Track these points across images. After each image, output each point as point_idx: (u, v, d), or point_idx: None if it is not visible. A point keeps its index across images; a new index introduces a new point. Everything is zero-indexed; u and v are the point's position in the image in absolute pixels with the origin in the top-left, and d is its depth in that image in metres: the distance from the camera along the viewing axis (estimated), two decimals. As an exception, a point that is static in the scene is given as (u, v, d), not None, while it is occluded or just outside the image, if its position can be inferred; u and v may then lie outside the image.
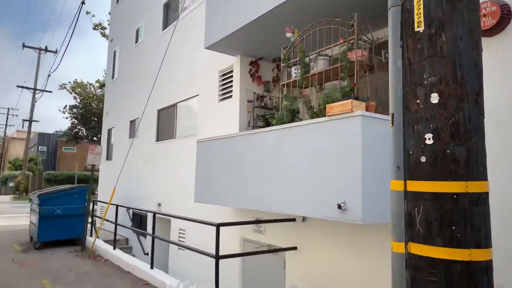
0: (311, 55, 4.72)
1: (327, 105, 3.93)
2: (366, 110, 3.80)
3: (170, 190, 9.17)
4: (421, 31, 1.87)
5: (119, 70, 13.82)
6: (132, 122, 12.05)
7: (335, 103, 3.84)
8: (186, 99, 9.09)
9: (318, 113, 4.28)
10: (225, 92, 7.54)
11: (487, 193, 1.76)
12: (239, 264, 6.56)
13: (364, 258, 4.50)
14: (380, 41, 4.44)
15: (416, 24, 1.91)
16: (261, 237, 6.13)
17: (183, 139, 8.99)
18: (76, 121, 32.77)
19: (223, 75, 7.66)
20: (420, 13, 1.89)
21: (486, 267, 1.72)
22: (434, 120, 1.79)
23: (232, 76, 7.33)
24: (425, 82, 1.83)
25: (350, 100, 3.71)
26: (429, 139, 1.80)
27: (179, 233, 8.47)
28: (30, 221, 10.11)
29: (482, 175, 1.76)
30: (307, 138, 4.17)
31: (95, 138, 32.18)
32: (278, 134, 4.59)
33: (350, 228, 4.69)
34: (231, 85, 7.31)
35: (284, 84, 5.02)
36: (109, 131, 14.07)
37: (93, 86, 32.53)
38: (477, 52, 1.83)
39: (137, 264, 6.83)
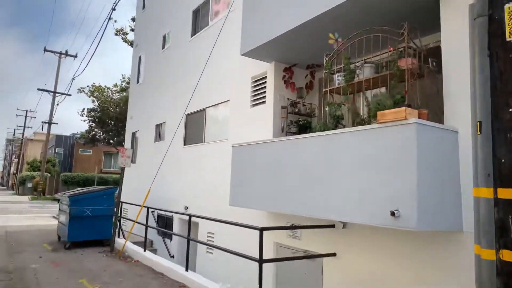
0: (357, 62, 4.77)
1: (378, 112, 3.97)
2: (419, 118, 3.84)
3: (197, 193, 9.29)
4: (515, 41, 1.92)
5: (144, 75, 14.06)
6: (158, 126, 12.23)
7: (388, 111, 3.89)
8: (216, 104, 9.22)
9: (367, 119, 4.33)
10: (258, 98, 7.64)
11: None
12: (273, 270, 6.59)
13: (410, 265, 4.50)
14: (429, 47, 4.47)
15: (508, 34, 1.95)
16: (297, 242, 6.16)
17: (212, 143, 9.11)
18: (94, 124, 33.25)
19: (256, 81, 7.76)
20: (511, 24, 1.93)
21: None
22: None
23: (265, 82, 7.44)
24: (520, 91, 1.88)
25: (404, 108, 3.75)
26: (525, 147, 1.84)
27: (208, 236, 8.55)
28: (59, 221, 10.31)
29: None
30: (356, 145, 4.22)
31: (111, 141, 32.61)
32: (324, 140, 4.64)
33: (395, 236, 4.70)
34: (264, 91, 7.41)
35: (327, 90, 5.08)
36: (133, 134, 14.28)
37: (110, 90, 33.01)
38: None
39: (171, 266, 6.91)
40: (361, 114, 4.55)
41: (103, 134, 33.94)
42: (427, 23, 4.70)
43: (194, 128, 10.10)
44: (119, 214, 9.63)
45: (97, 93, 32.39)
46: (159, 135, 12.25)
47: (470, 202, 3.48)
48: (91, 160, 38.48)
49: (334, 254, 5.43)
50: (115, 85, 33.06)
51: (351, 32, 4.90)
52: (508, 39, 1.96)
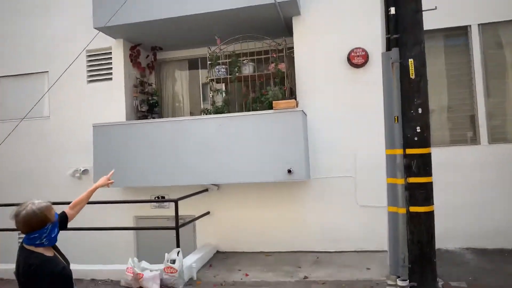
0: (243, 60, 6.05)
1: (274, 102, 5.52)
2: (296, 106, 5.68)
3: None
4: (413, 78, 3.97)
5: None
6: None
7: (282, 101, 5.51)
8: (20, 74, 7.77)
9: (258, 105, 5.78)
10: (97, 74, 7.31)
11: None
12: (133, 239, 6.95)
13: (272, 207, 6.34)
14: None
15: (411, 74, 3.98)
16: (166, 211, 6.83)
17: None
18: None
19: (93, 55, 7.33)
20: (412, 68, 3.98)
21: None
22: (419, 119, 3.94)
23: (106, 58, 7.25)
24: (416, 101, 3.96)
25: (294, 100, 5.50)
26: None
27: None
28: None
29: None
30: (254, 125, 5.61)
31: None
32: (223, 121, 5.72)
33: (258, 189, 6.38)
34: (106, 67, 7.24)
35: (213, 79, 6.08)
36: None
37: None
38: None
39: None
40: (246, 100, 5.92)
41: None
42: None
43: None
44: None
45: None
46: None
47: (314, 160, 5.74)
48: None
49: (208, 213, 6.60)
50: None
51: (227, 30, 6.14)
52: (411, 76, 4.00)
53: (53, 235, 2.24)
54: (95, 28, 6.55)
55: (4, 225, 4.44)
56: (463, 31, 5.91)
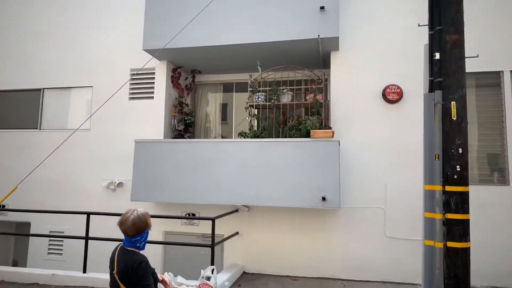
0: (283, 89, 6.37)
1: (312, 130, 5.79)
2: (332, 136, 5.93)
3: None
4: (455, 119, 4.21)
5: None
6: None
7: (319, 130, 5.77)
8: (68, 88, 8.22)
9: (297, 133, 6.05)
10: (139, 92, 7.69)
11: (470, 190, 4.28)
12: (161, 253, 7.13)
13: (300, 234, 6.52)
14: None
15: (453, 115, 4.22)
16: (195, 228, 7.04)
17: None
18: None
19: (137, 74, 7.74)
20: (454, 110, 4.23)
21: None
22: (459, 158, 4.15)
23: (149, 77, 7.65)
24: (457, 141, 4.18)
25: (331, 130, 5.75)
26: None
27: (52, 234, 7.68)
28: None
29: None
30: (292, 151, 5.86)
31: None
32: (261, 145, 5.99)
33: (289, 214, 6.58)
34: (149, 86, 7.62)
35: (253, 105, 6.40)
36: None
37: None
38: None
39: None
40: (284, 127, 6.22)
41: None
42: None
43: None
44: None
45: None
46: None
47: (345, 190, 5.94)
48: None
49: (237, 233, 6.78)
50: None
51: (267, 59, 6.52)
52: (453, 118, 4.23)
53: (146, 241, 2.60)
54: (144, 50, 6.96)
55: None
56: (496, 75, 6.18)
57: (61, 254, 7.68)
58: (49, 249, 7.78)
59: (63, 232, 7.60)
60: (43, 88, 8.39)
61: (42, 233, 7.43)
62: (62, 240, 7.63)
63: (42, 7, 8.68)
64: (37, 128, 8.30)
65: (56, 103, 8.37)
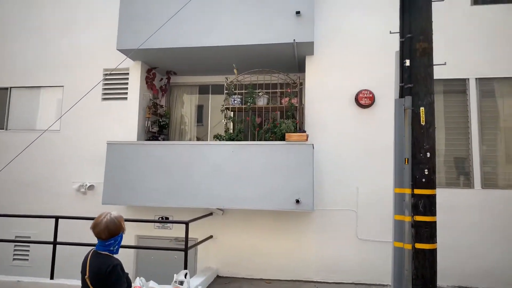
0: (259, 92, 6.39)
1: (286, 134, 5.83)
2: (306, 139, 6.00)
3: None
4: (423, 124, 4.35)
5: None
6: None
7: (294, 134, 5.83)
8: (37, 87, 7.94)
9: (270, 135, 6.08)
10: (112, 92, 7.53)
11: (438, 193, 4.43)
12: (133, 258, 6.98)
13: (274, 236, 6.55)
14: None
15: (421, 120, 4.36)
16: (168, 232, 6.93)
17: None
18: None
19: (109, 74, 7.58)
20: (423, 115, 4.37)
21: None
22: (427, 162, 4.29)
23: (123, 78, 7.50)
24: (425, 145, 4.32)
25: (305, 133, 5.82)
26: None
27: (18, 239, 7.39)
28: None
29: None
30: (267, 154, 5.88)
31: None
32: (236, 148, 5.98)
33: (262, 216, 6.60)
34: (122, 87, 7.47)
35: (229, 107, 6.39)
36: None
37: None
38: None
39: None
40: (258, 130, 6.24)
41: None
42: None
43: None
44: None
45: None
46: None
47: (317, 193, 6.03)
48: None
49: (211, 237, 6.74)
50: None
51: (243, 62, 6.54)
52: (422, 123, 4.37)
53: (120, 244, 2.56)
54: (118, 50, 6.83)
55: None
56: (463, 82, 6.43)
57: (27, 260, 7.40)
58: (15, 254, 7.48)
59: (29, 237, 7.33)
60: (10, 87, 8.09)
61: (7, 238, 7.11)
62: (29, 245, 7.35)
63: (10, 5, 8.38)
64: (3, 129, 7.99)
65: (24, 102, 8.08)
